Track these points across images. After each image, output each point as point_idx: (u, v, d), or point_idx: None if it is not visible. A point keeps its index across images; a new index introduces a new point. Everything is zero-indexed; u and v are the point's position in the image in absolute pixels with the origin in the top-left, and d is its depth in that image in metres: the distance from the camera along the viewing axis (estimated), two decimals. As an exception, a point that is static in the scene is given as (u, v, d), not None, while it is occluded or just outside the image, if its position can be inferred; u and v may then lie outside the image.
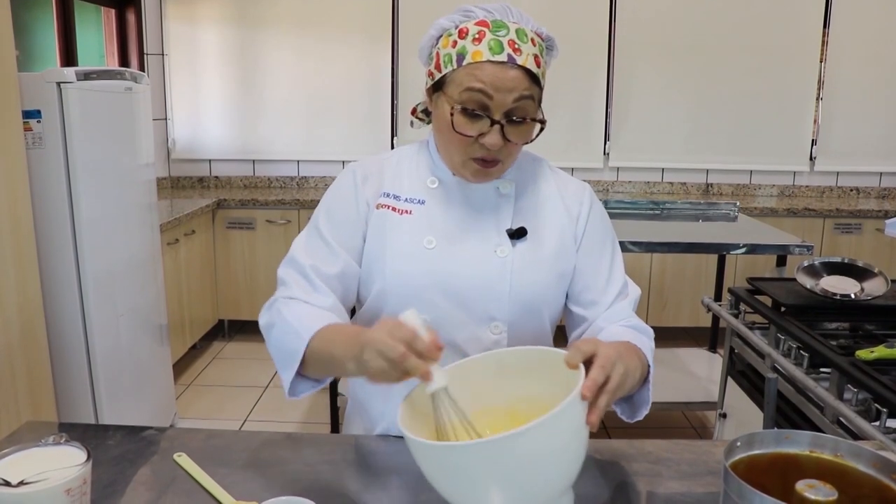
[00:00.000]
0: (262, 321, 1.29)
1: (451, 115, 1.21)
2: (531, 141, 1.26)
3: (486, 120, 1.20)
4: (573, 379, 0.93)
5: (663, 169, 5.12)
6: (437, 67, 1.25)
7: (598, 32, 4.89)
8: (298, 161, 5.10)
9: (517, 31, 1.20)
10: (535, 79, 1.21)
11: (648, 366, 1.22)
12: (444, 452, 0.90)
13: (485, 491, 0.90)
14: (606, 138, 5.01)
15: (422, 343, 0.96)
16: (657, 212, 3.85)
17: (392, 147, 4.91)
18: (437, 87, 1.26)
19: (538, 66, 1.22)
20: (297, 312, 1.23)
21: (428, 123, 1.38)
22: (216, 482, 1.10)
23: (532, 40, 1.21)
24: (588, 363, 0.97)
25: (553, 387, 0.98)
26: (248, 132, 5.04)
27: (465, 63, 1.19)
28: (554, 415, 0.86)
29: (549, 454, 0.89)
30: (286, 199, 4.55)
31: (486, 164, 1.26)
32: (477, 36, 1.19)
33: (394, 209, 1.32)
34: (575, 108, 4.95)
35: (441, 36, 1.26)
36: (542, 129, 1.27)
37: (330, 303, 1.28)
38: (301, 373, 1.20)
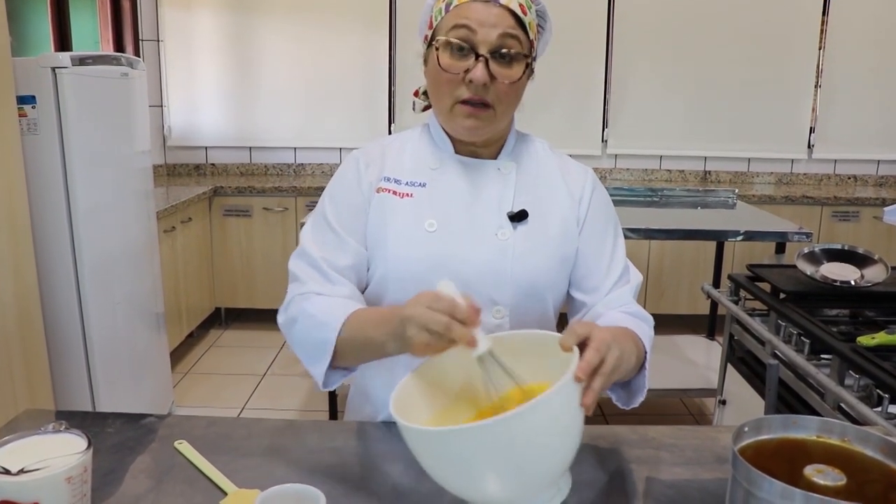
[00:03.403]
0: (282, 319, 1.29)
1: (437, 51, 1.23)
2: (518, 81, 1.24)
3: (472, 55, 1.21)
4: (568, 362, 0.92)
5: (661, 156, 5.12)
6: (430, 26, 1.28)
7: (596, 19, 4.87)
8: (295, 148, 5.08)
9: None
10: (519, 21, 1.23)
11: (645, 352, 1.21)
12: (436, 438, 0.89)
13: (478, 476, 0.89)
14: (604, 125, 5.00)
15: (462, 311, 0.98)
16: (655, 199, 3.85)
17: (389, 134, 4.89)
18: (429, 43, 1.28)
19: (523, 12, 1.24)
20: (320, 304, 1.23)
21: (430, 105, 1.37)
22: (218, 469, 1.09)
23: None
24: (583, 347, 0.97)
25: (548, 370, 0.97)
26: (244, 119, 5.01)
27: (451, 8, 1.23)
28: (547, 396, 0.85)
29: (543, 437, 0.88)
30: (283, 186, 4.54)
31: (475, 108, 1.24)
32: None
33: (395, 192, 1.32)
34: (573, 96, 4.94)
35: (434, 2, 1.30)
36: (530, 71, 1.27)
37: (347, 292, 1.27)
38: (332, 363, 1.20)
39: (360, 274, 1.32)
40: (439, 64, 1.23)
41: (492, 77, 1.21)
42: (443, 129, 1.34)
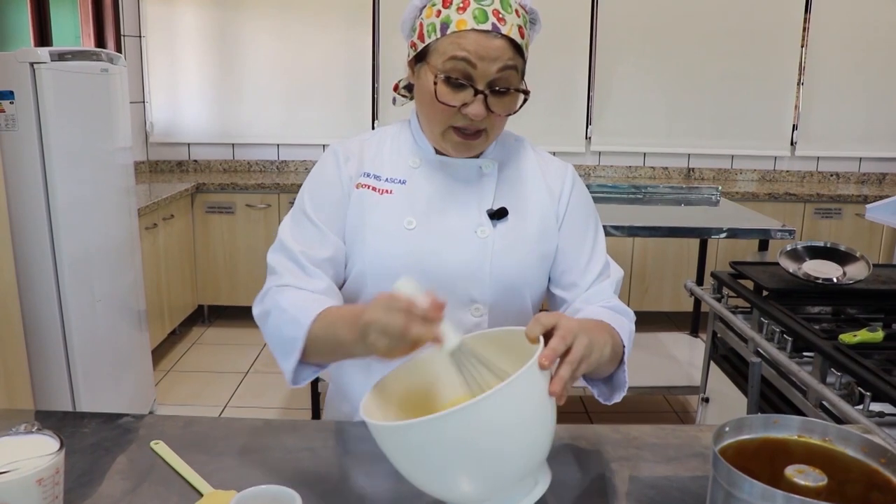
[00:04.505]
0: (256, 311, 1.27)
1: (435, 84, 1.19)
2: (514, 112, 1.25)
3: (470, 90, 1.19)
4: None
5: (645, 153, 5.12)
6: (421, 38, 1.23)
7: (580, 15, 4.87)
8: (278, 145, 5.05)
9: (501, 1, 1.19)
10: (518, 49, 1.20)
11: (623, 346, 1.21)
12: (396, 433, 0.87)
13: (445, 470, 0.87)
14: (588, 122, 5.00)
15: (420, 309, 0.94)
16: (639, 196, 3.85)
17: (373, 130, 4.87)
18: (419, 57, 1.25)
19: (522, 37, 1.21)
20: (293, 299, 1.21)
21: (411, 100, 1.36)
22: (194, 470, 1.07)
23: (516, 11, 1.20)
24: (551, 337, 0.95)
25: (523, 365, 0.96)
26: (227, 116, 4.98)
27: (449, 32, 1.18)
28: (508, 384, 0.83)
29: (508, 427, 0.86)
30: (266, 183, 4.51)
31: (468, 136, 1.24)
32: (461, 5, 1.18)
33: (374, 189, 1.31)
34: (557, 92, 4.94)
35: (424, 6, 1.24)
36: (525, 101, 1.25)
37: (324, 286, 1.26)
38: (302, 359, 1.18)
39: (338, 267, 1.31)
40: (436, 96, 1.20)
41: (489, 110, 1.20)
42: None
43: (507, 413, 0.85)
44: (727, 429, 0.90)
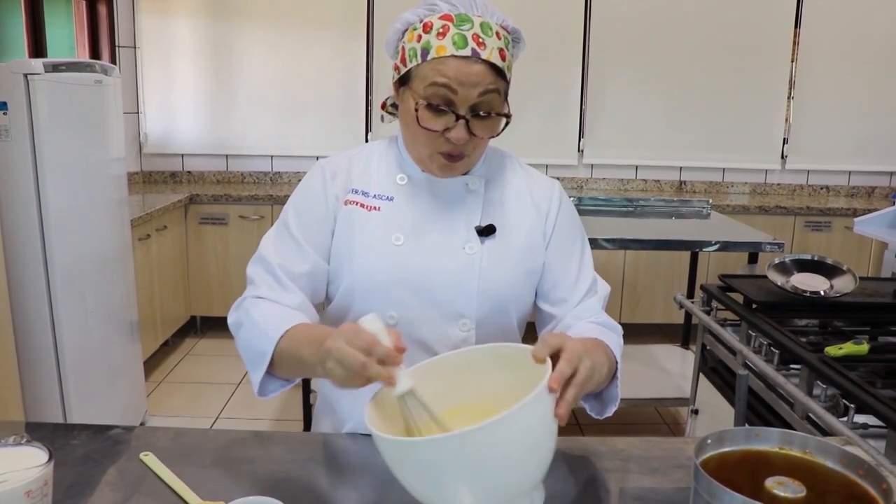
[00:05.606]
0: (231, 320, 1.29)
1: (416, 110, 1.21)
2: (497, 135, 1.26)
3: (451, 115, 1.20)
4: (541, 374, 0.93)
5: (637, 166, 5.15)
6: (403, 61, 1.25)
7: (572, 28, 4.90)
8: (272, 156, 5.06)
9: (481, 24, 1.20)
10: (500, 73, 1.21)
11: (616, 362, 1.22)
12: (410, 448, 0.89)
13: (453, 487, 0.89)
14: (581, 135, 5.03)
15: (382, 349, 0.95)
16: (631, 209, 3.87)
17: (367, 142, 4.88)
18: (402, 81, 1.26)
19: (503, 59, 1.21)
20: (265, 312, 1.22)
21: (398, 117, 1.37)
22: (183, 482, 1.08)
23: (497, 34, 1.21)
24: (555, 357, 0.97)
25: (521, 383, 0.98)
26: (221, 127, 4.99)
27: (429, 58, 1.19)
28: (520, 407, 0.85)
29: (517, 448, 0.88)
30: (259, 194, 4.52)
31: (453, 159, 1.25)
32: (441, 30, 1.19)
33: (362, 205, 1.32)
34: (549, 105, 4.96)
35: (406, 30, 1.25)
36: (507, 123, 1.26)
37: (298, 301, 1.27)
38: (271, 372, 1.20)
39: (316, 283, 1.32)
40: (418, 122, 1.21)
41: (471, 134, 1.21)
42: None
43: (517, 434, 0.87)
44: (709, 441, 0.91)
